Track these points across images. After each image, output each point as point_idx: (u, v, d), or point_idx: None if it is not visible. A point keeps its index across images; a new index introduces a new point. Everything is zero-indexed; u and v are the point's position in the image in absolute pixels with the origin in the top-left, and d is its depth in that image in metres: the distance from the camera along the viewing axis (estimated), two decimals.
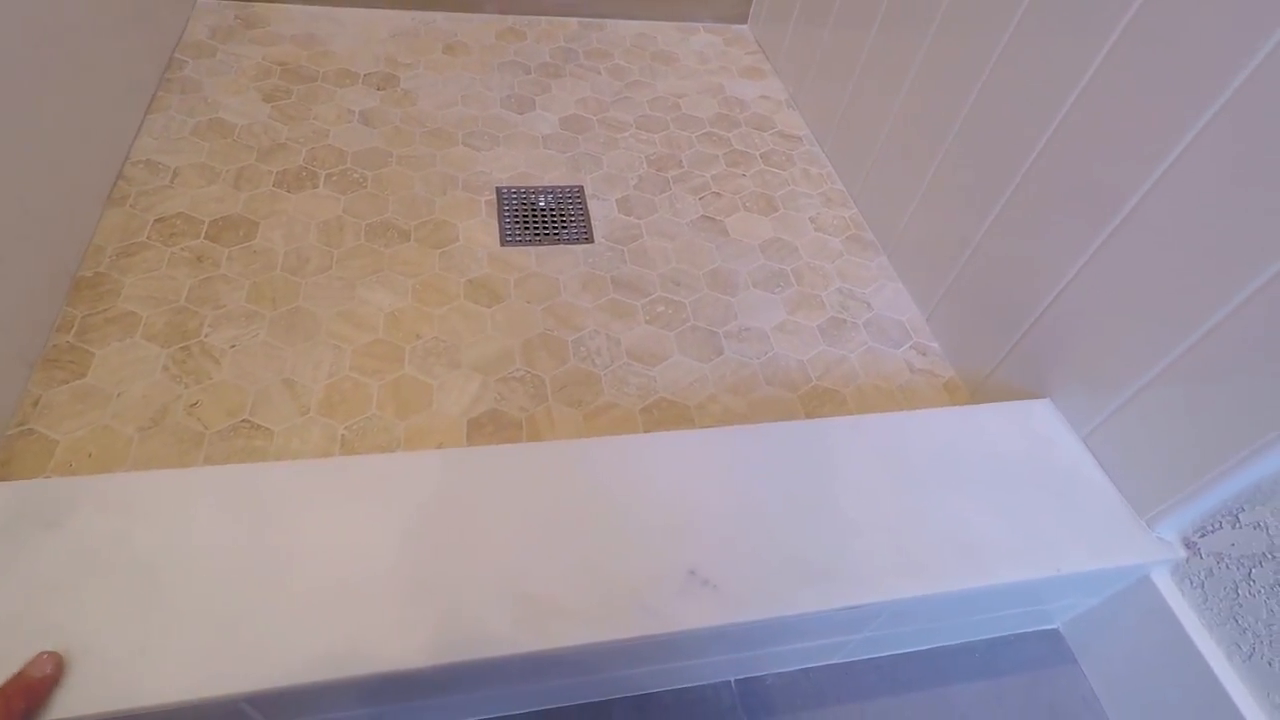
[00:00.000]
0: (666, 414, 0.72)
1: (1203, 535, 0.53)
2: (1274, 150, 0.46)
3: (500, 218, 0.91)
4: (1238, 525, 0.51)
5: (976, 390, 0.77)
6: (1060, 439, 0.62)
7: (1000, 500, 0.56)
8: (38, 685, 0.38)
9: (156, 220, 0.81)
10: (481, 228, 0.89)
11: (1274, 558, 0.48)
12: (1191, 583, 0.55)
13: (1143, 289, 0.56)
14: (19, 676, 0.38)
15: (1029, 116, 0.66)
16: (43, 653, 0.39)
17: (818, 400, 0.75)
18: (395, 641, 0.43)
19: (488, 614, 0.45)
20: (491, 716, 0.56)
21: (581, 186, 0.97)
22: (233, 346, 0.71)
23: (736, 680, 0.60)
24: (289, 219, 0.85)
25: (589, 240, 0.90)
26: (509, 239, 0.88)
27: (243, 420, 0.65)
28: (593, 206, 0.94)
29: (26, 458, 0.60)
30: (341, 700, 0.46)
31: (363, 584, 0.45)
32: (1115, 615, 0.61)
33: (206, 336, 0.71)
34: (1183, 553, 0.55)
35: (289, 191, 0.88)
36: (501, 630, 0.44)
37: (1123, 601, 0.60)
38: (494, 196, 0.93)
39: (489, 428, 0.69)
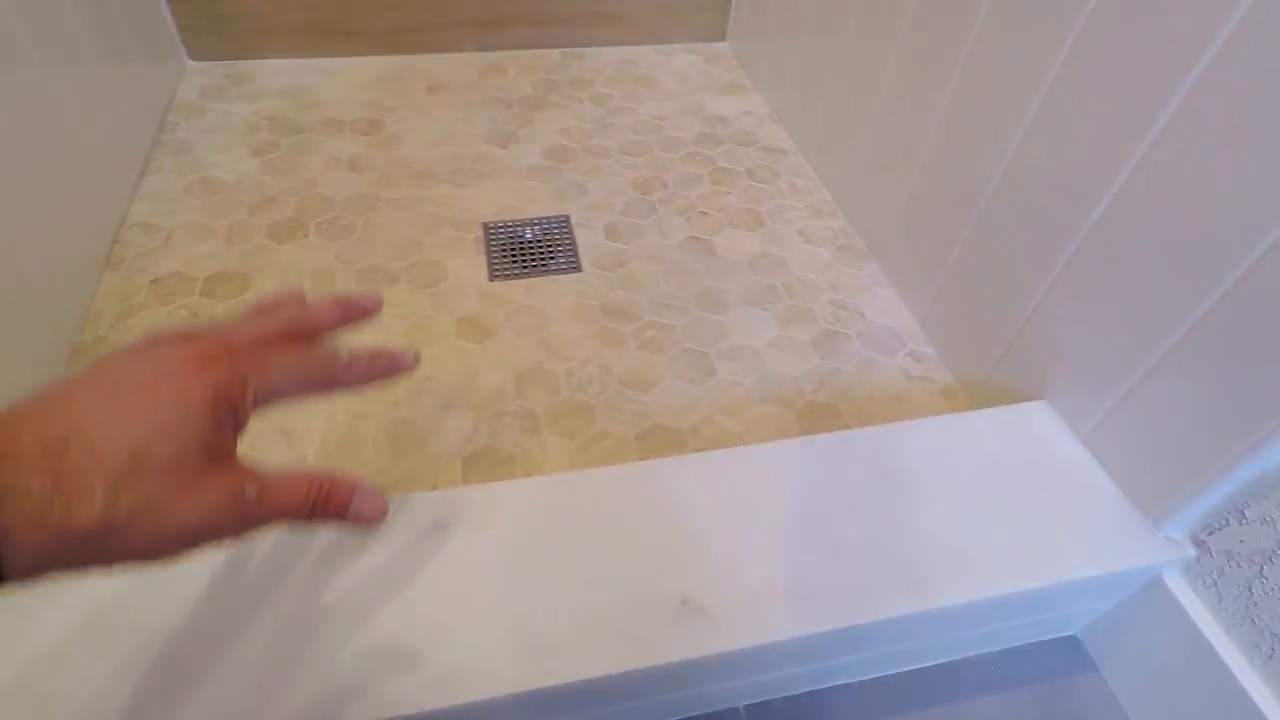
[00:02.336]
0: (660, 440, 0.72)
1: (1211, 533, 0.52)
2: (1248, 128, 0.45)
3: (488, 253, 0.92)
4: (1244, 521, 0.49)
5: (974, 395, 0.75)
6: (1058, 441, 0.61)
7: (998, 508, 0.55)
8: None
9: (152, 281, 0.83)
10: (470, 264, 0.90)
11: None
12: (1204, 582, 0.53)
13: (1129, 280, 0.55)
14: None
15: (1003, 114, 0.65)
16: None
17: (813, 416, 0.74)
18: (391, 687, 0.43)
19: (485, 654, 0.45)
20: None
21: (568, 216, 0.98)
22: None
23: (745, 706, 0.59)
24: (281, 269, 0.86)
25: (577, 269, 0.90)
26: (497, 273, 0.89)
27: None
28: (580, 235, 0.95)
29: None
30: None
31: (359, 627, 0.45)
32: (1131, 619, 0.59)
33: None
34: (1192, 551, 0.53)
35: (280, 243, 0.89)
36: (498, 670, 0.44)
37: (1137, 604, 0.58)
38: (480, 233, 0.94)
39: (483, 464, 0.69)
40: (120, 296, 0.81)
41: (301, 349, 0.35)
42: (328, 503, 0.33)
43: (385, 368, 0.37)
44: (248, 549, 0.48)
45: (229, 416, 0.30)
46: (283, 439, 0.69)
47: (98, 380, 0.28)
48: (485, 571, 0.49)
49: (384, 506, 0.35)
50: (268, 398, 0.32)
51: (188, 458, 0.28)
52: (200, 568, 0.47)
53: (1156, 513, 0.54)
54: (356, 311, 0.39)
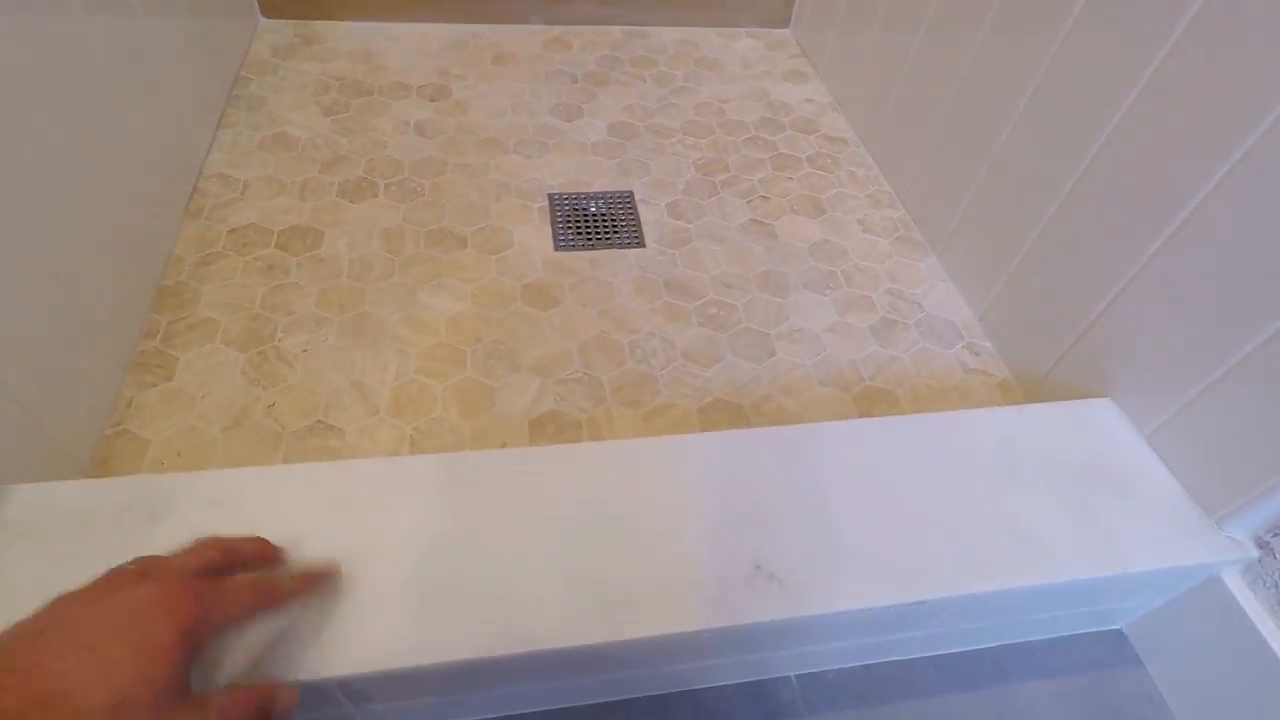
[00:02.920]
0: (722, 414, 0.73)
1: (1276, 534, 0.53)
2: None
3: (553, 223, 0.93)
4: None
5: (1032, 390, 0.76)
6: (1123, 438, 0.62)
7: (1063, 498, 0.56)
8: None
9: (230, 231, 0.85)
10: (535, 233, 0.91)
11: None
12: (1265, 583, 0.54)
13: (1207, 287, 0.56)
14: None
15: (1085, 118, 0.66)
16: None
17: (870, 400, 0.76)
18: (466, 632, 0.45)
19: (556, 607, 0.47)
20: (554, 707, 0.58)
21: (631, 192, 0.99)
22: (305, 351, 0.74)
23: (797, 676, 0.61)
24: (352, 228, 0.88)
25: (640, 244, 0.91)
26: (562, 244, 0.91)
27: (317, 421, 0.69)
28: (643, 211, 0.96)
29: (123, 456, 0.64)
30: (416, 687, 0.49)
31: (438, 576, 0.47)
32: (1183, 616, 0.60)
33: (280, 341, 0.75)
34: (1255, 552, 0.54)
35: (351, 201, 0.91)
36: (569, 622, 0.46)
37: (1191, 602, 0.59)
38: (546, 203, 0.96)
39: (550, 428, 0.71)
40: (199, 244, 0.83)
41: (249, 580, 0.39)
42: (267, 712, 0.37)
43: (317, 582, 0.43)
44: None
45: (194, 653, 0.33)
46: (356, 393, 0.71)
47: (68, 631, 0.30)
48: (560, 529, 0.51)
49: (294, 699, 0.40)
50: (225, 629, 0.36)
51: (162, 699, 0.30)
52: (292, 499, 0.49)
53: (1220, 513, 0.55)
54: (271, 553, 0.43)
